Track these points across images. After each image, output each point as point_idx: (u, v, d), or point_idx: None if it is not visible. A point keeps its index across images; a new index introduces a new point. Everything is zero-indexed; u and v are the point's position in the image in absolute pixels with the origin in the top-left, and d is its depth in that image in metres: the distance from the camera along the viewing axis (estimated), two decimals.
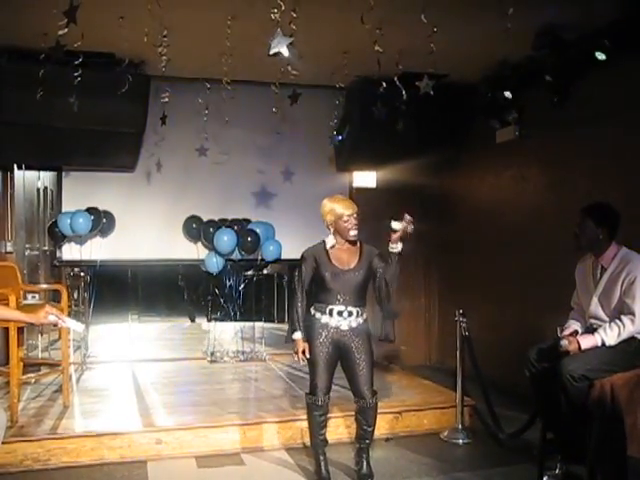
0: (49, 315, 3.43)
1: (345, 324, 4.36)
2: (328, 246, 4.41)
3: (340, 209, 4.33)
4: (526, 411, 5.04)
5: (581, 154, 6.03)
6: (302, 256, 4.47)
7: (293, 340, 4.41)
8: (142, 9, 4.54)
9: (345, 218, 4.31)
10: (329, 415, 4.68)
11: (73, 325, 3.65)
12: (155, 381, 6.58)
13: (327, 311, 4.36)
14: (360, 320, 4.42)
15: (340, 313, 4.35)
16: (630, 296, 4.05)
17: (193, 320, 10.98)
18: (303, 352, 4.36)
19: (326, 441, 4.60)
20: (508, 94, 6.53)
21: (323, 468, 4.52)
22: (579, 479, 4.22)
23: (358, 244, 4.46)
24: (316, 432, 4.53)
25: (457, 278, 8.19)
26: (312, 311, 4.44)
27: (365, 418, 4.47)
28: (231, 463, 4.88)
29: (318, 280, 4.40)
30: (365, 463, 4.55)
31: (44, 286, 7.14)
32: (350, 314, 4.36)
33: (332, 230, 4.39)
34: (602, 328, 4.09)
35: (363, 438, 4.54)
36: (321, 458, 4.54)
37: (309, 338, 4.40)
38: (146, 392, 6.15)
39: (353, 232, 4.33)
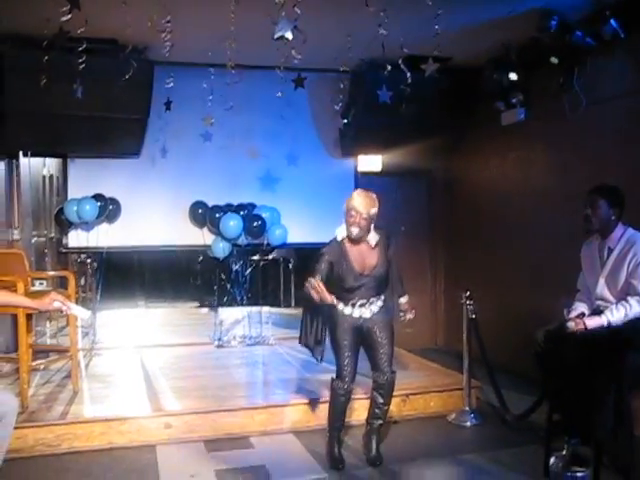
0: (54, 301, 3.45)
1: (367, 312, 4.52)
2: (339, 238, 4.49)
3: (351, 203, 4.39)
4: (533, 393, 5.06)
5: (586, 137, 6.00)
6: (320, 253, 4.48)
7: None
8: None
9: (352, 213, 4.36)
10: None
11: (78, 311, 3.67)
12: (163, 366, 6.62)
13: (350, 304, 4.49)
14: (380, 303, 4.57)
15: (362, 305, 4.51)
16: (636, 277, 4.06)
17: (203, 305, 10.98)
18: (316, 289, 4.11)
19: (344, 426, 4.69)
20: (513, 76, 6.51)
21: (337, 451, 4.57)
22: (586, 460, 4.23)
23: (379, 239, 4.51)
24: (337, 416, 4.60)
25: (463, 261, 8.19)
26: (334, 301, 4.43)
27: (381, 394, 4.57)
28: (240, 446, 4.91)
29: (339, 280, 4.45)
30: (375, 446, 4.60)
31: (51, 273, 7.16)
32: (371, 303, 4.53)
33: (344, 221, 4.46)
34: (609, 309, 4.09)
35: (376, 417, 4.62)
36: (335, 442, 4.59)
37: (332, 325, 4.53)
38: (154, 377, 6.18)
39: (352, 228, 4.37)
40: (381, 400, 4.59)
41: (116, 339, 7.83)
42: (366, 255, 4.48)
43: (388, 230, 4.66)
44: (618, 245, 4.22)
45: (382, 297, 4.60)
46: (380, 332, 4.53)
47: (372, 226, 4.47)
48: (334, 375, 4.58)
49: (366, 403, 4.85)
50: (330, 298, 4.21)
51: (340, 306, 4.50)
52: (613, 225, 4.25)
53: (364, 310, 4.52)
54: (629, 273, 4.10)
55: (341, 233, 4.50)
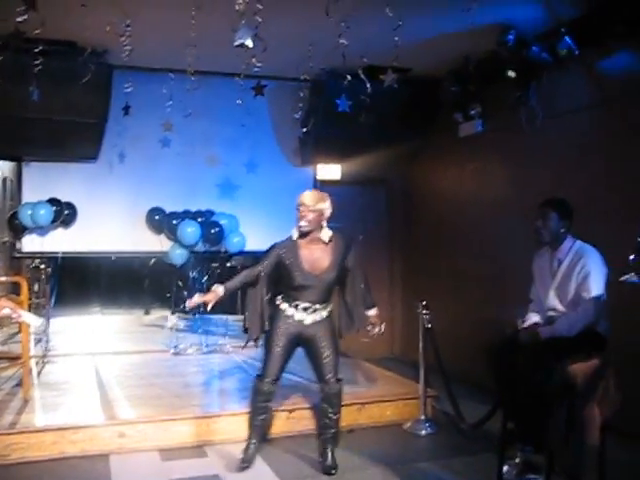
0: (4, 308, 3.38)
1: (309, 319, 4.46)
2: (294, 237, 4.45)
3: (299, 199, 4.42)
4: (488, 402, 5.11)
5: (542, 149, 6.12)
6: (272, 245, 4.54)
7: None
8: None
9: (300, 208, 4.39)
10: (273, 406, 4.76)
11: (29, 319, 3.60)
12: (118, 374, 6.52)
13: (293, 305, 4.45)
14: (324, 313, 4.52)
15: (305, 309, 4.44)
16: (585, 289, 4.14)
17: (160, 312, 10.86)
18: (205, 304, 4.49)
19: (264, 428, 4.73)
20: (472, 88, 6.61)
21: (250, 452, 4.58)
22: (539, 467, 4.30)
23: (334, 239, 4.49)
24: (255, 416, 4.59)
25: (420, 270, 8.26)
26: (278, 300, 4.51)
27: (330, 405, 4.54)
28: (194, 455, 4.87)
29: (287, 277, 4.43)
30: (330, 454, 4.58)
31: (3, 278, 7.04)
32: (315, 310, 4.47)
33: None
34: (560, 320, 4.16)
35: (328, 427, 4.60)
36: (253, 441, 4.60)
37: (271, 326, 4.50)
38: (108, 385, 6.09)
39: (301, 222, 4.38)
40: (330, 410, 4.57)
41: (70, 346, 7.71)
42: (318, 256, 4.45)
43: (350, 238, 4.69)
44: (567, 257, 4.30)
45: (328, 308, 4.57)
46: (322, 342, 4.48)
47: (324, 224, 4.46)
48: (258, 372, 4.61)
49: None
50: (212, 296, 4.40)
51: (283, 306, 4.49)
52: (563, 237, 4.34)
53: (305, 316, 4.46)
54: (578, 285, 4.18)
55: (296, 233, 4.49)
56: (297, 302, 4.45)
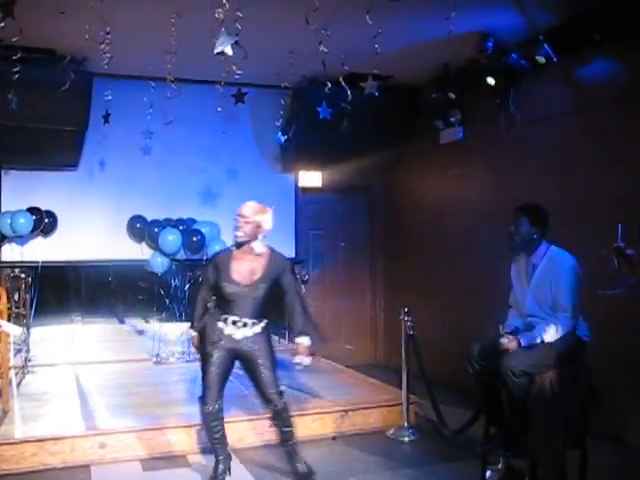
0: None
1: (239, 334, 4.30)
2: (231, 247, 4.44)
3: (237, 211, 4.37)
4: (470, 407, 5.13)
5: (522, 155, 6.17)
6: (212, 255, 4.53)
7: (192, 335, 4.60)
8: (84, 5, 4.45)
9: (237, 218, 4.33)
10: (225, 419, 4.52)
11: (9, 328, 3.57)
12: (99, 383, 6.47)
13: (222, 318, 4.32)
14: (257, 329, 4.35)
15: (234, 323, 4.30)
16: (561, 294, 4.16)
17: (142, 321, 10.78)
18: (197, 347, 4.54)
19: (224, 444, 4.48)
20: (452, 96, 6.65)
21: (220, 469, 4.40)
22: (521, 473, 4.31)
23: (267, 253, 4.38)
24: (210, 436, 4.43)
25: (402, 277, 8.28)
26: (212, 312, 4.44)
27: (280, 420, 4.44)
28: (177, 465, 4.83)
29: (217, 287, 4.36)
30: (299, 462, 4.51)
31: None
32: (245, 325, 4.31)
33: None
34: (540, 325, 4.18)
35: (286, 440, 4.51)
36: (220, 457, 4.42)
37: (205, 340, 4.38)
38: (90, 395, 6.04)
39: (236, 232, 4.31)
40: (282, 425, 4.45)
41: (51, 356, 7.62)
42: (249, 267, 4.32)
43: (286, 259, 4.58)
44: (542, 262, 4.32)
45: (261, 324, 4.38)
46: (258, 359, 4.32)
47: (260, 236, 4.34)
48: (200, 395, 4.41)
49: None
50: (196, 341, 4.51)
51: (215, 318, 4.38)
52: (536, 243, 4.35)
53: (235, 330, 4.30)
54: (553, 290, 4.20)
55: (232, 243, 4.46)
56: (226, 315, 4.31)
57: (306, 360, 4.39)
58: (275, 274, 4.37)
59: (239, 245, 4.35)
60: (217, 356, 4.29)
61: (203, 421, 4.42)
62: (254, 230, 4.29)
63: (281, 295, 4.45)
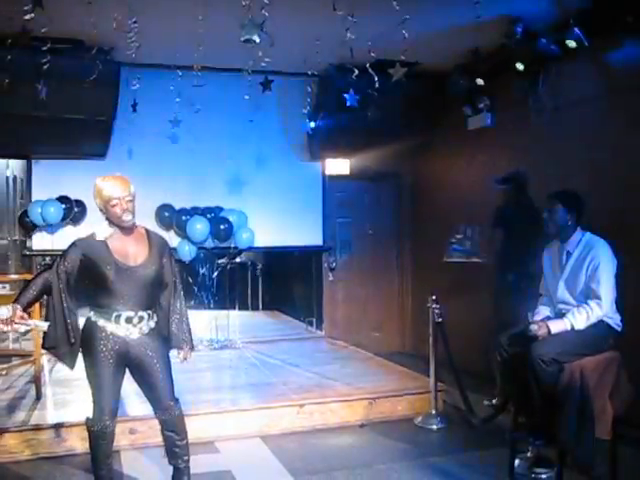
0: (8, 325, 3.38)
1: (136, 332, 3.69)
2: (100, 237, 3.67)
3: (108, 191, 3.64)
4: (498, 395, 5.10)
5: (551, 141, 6.09)
6: (72, 243, 3.74)
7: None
8: None
9: (113, 202, 3.62)
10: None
11: (37, 324, 3.59)
12: (127, 370, 6.53)
13: (113, 318, 3.64)
14: (152, 324, 3.79)
15: (129, 320, 3.66)
16: (595, 281, 4.12)
17: None
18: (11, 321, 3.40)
19: (111, 471, 3.89)
20: (480, 81, 6.58)
21: None
22: (550, 461, 4.29)
23: (145, 232, 3.83)
24: (102, 463, 3.80)
25: (430, 264, 8.23)
26: (93, 318, 3.68)
27: (176, 431, 3.85)
28: (206, 451, 4.87)
29: (97, 280, 3.63)
30: None
31: (14, 276, 7.05)
32: (141, 319, 3.71)
33: (105, 217, 3.74)
34: (571, 313, 4.14)
35: (179, 457, 3.90)
36: None
37: (88, 350, 3.69)
38: None
39: (126, 216, 3.64)
40: (177, 438, 3.85)
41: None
42: (132, 246, 3.72)
43: (166, 241, 3.99)
44: (577, 249, 4.28)
45: (155, 318, 3.82)
46: (153, 360, 3.75)
47: None
48: (89, 415, 3.79)
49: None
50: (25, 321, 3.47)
51: (101, 322, 3.66)
52: (571, 229, 4.31)
53: (131, 328, 3.67)
54: (588, 277, 4.16)
55: (102, 233, 3.69)
56: (117, 312, 3.63)
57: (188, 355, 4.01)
58: (159, 254, 3.81)
59: (123, 230, 3.71)
60: (111, 367, 3.68)
61: (96, 446, 3.77)
62: (134, 205, 3.73)
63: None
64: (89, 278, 3.66)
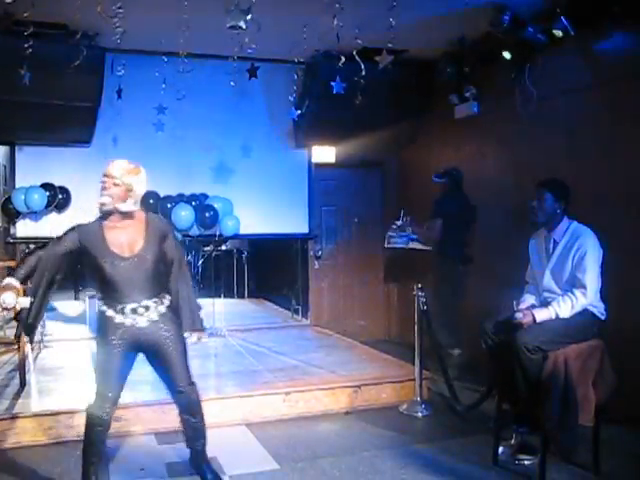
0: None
1: (144, 320, 3.65)
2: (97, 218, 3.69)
3: (103, 171, 3.65)
4: (483, 383, 5.13)
5: (537, 130, 6.10)
6: (70, 227, 3.73)
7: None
8: None
9: (103, 179, 3.62)
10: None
11: (19, 301, 3.55)
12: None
13: (119, 310, 3.61)
14: (162, 309, 3.73)
15: (134, 310, 3.63)
16: (581, 270, 4.14)
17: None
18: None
19: (101, 459, 3.84)
20: (467, 70, 6.58)
21: None
22: (533, 448, 4.32)
23: (144, 219, 3.75)
24: (95, 450, 3.73)
25: (416, 253, 8.24)
26: (102, 307, 3.67)
27: (192, 414, 3.85)
28: None
29: (95, 271, 3.62)
30: (208, 469, 3.99)
31: None
32: (147, 308, 3.66)
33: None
34: (556, 301, 4.17)
35: (196, 439, 3.92)
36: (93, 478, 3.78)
37: (99, 339, 3.70)
38: None
39: (103, 198, 3.59)
40: (194, 420, 3.84)
41: (66, 331, 7.69)
42: (128, 236, 3.65)
43: (167, 224, 3.98)
44: (563, 238, 4.30)
45: (165, 302, 3.75)
46: (168, 345, 3.71)
47: (132, 202, 3.67)
48: (90, 401, 3.73)
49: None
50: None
51: (109, 312, 3.64)
52: (559, 218, 4.34)
53: (138, 318, 3.62)
54: (574, 266, 4.19)
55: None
56: (121, 305, 3.60)
57: (204, 338, 4.00)
58: (159, 241, 3.73)
59: (105, 215, 3.65)
60: (121, 353, 3.64)
61: (92, 432, 3.69)
62: (124, 194, 3.60)
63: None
64: (89, 267, 3.64)
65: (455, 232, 6.56)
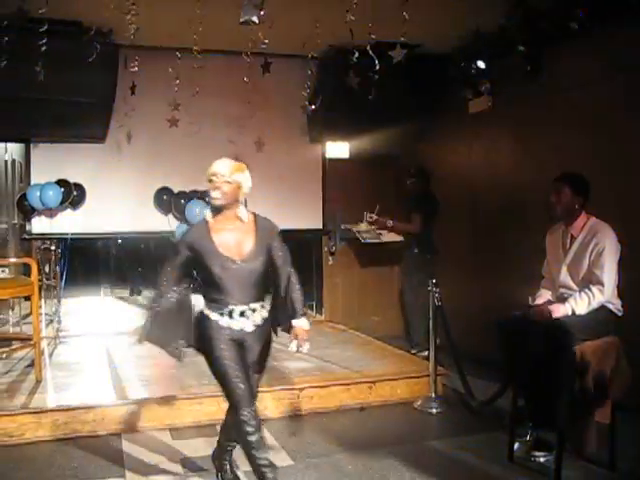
0: None
1: (249, 325, 3.59)
2: (208, 218, 3.61)
3: (210, 170, 3.60)
4: (498, 379, 5.10)
5: (552, 125, 6.05)
6: (181, 238, 3.75)
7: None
8: None
9: (212, 178, 3.56)
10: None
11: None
12: (128, 354, 6.54)
13: (227, 313, 3.55)
14: (265, 313, 3.67)
15: (242, 313, 3.57)
16: (599, 266, 4.10)
17: (135, 294, 10.75)
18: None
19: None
20: (481, 64, 6.53)
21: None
22: (549, 445, 4.30)
23: (253, 220, 3.67)
24: (259, 453, 3.51)
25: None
26: (205, 311, 3.60)
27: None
28: (206, 434, 4.86)
29: (205, 274, 3.59)
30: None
31: (13, 260, 7.04)
32: (254, 311, 3.60)
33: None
34: (572, 297, 4.13)
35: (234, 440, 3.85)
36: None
37: (208, 344, 3.58)
38: (119, 365, 6.12)
39: (214, 193, 3.53)
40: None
41: (81, 327, 7.73)
42: (236, 238, 3.58)
43: (275, 225, 3.78)
44: (581, 233, 4.26)
45: (266, 307, 3.69)
46: (260, 354, 3.68)
47: (242, 199, 3.64)
48: (233, 412, 3.60)
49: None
50: None
51: (214, 316, 3.57)
52: (577, 213, 4.29)
53: (245, 321, 3.57)
54: (591, 262, 4.15)
55: (209, 214, 3.64)
56: (230, 307, 3.55)
57: (306, 346, 3.66)
58: (267, 242, 3.65)
59: (216, 211, 3.60)
60: (233, 354, 3.55)
61: (245, 437, 3.48)
62: (234, 192, 3.56)
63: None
64: (199, 270, 3.62)
65: (428, 226, 7.24)
